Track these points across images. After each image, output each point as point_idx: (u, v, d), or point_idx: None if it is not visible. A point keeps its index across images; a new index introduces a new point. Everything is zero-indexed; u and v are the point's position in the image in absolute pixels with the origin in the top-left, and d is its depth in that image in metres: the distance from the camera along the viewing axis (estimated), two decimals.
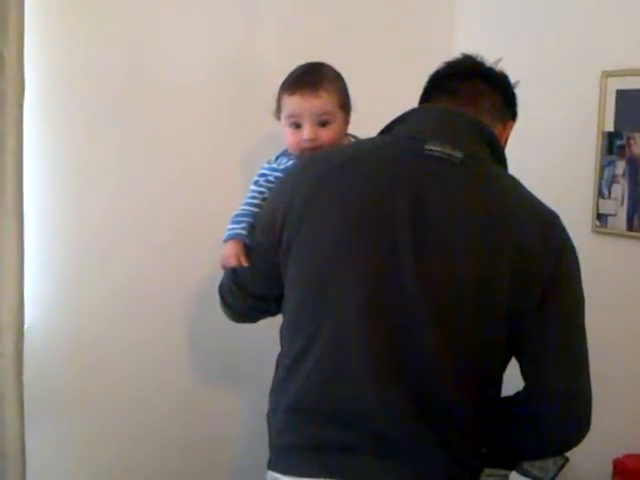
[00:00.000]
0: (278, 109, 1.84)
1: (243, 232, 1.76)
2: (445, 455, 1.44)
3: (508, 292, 1.43)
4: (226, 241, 1.76)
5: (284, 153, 1.85)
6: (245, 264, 1.68)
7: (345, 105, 1.84)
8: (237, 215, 1.80)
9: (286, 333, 1.59)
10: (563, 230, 1.51)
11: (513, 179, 1.56)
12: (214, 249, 1.79)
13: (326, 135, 1.79)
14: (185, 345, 2.46)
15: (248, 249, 1.71)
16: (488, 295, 1.43)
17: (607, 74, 2.38)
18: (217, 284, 1.78)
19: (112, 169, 2.29)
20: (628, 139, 2.33)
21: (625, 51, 2.35)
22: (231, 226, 1.78)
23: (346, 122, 1.85)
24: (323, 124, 1.79)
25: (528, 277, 1.44)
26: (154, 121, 2.33)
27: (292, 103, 1.78)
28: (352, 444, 1.45)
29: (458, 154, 1.49)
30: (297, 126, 1.79)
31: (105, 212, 2.29)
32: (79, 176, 2.25)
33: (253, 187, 1.83)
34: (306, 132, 1.78)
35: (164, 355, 2.41)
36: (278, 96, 1.83)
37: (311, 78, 1.79)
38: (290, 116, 1.79)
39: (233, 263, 1.71)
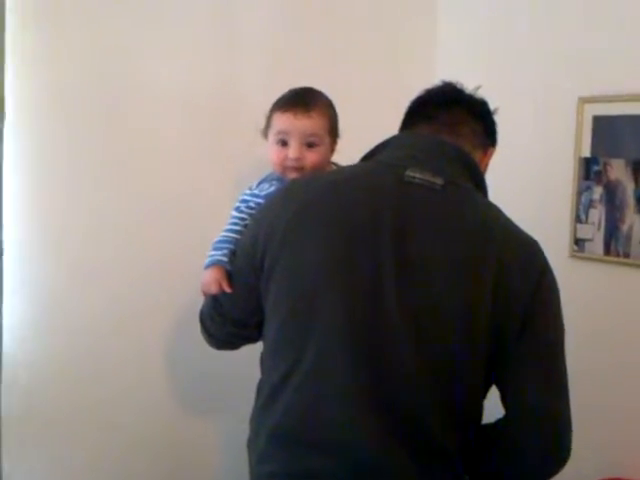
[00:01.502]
0: (267, 127, 1.84)
1: (224, 258, 1.74)
2: None
3: (489, 318, 1.43)
4: (207, 267, 1.74)
5: (266, 179, 1.85)
6: (227, 290, 1.67)
7: (333, 132, 1.85)
8: (218, 241, 1.79)
9: (267, 359, 1.58)
10: (543, 257, 1.52)
11: (493, 206, 1.57)
12: (196, 274, 1.78)
13: (311, 157, 1.79)
14: (165, 371, 2.44)
15: (229, 275, 1.70)
16: (469, 321, 1.44)
17: (584, 100, 2.41)
18: (198, 310, 1.77)
19: (92, 191, 2.28)
20: (605, 165, 2.36)
21: (602, 78, 2.38)
22: (212, 252, 1.77)
23: (332, 149, 1.86)
24: (310, 145, 1.79)
25: (508, 303, 1.45)
26: (135, 142, 2.33)
27: (283, 120, 1.79)
28: (332, 472, 1.44)
29: (439, 181, 1.50)
30: (284, 144, 1.80)
31: (85, 234, 2.28)
32: (58, 198, 2.24)
33: (234, 213, 1.82)
34: (292, 150, 1.78)
35: (143, 381, 2.39)
36: (269, 114, 1.84)
37: (305, 99, 1.80)
38: (279, 132, 1.80)
39: (214, 289, 1.69)
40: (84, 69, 2.23)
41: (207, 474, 2.54)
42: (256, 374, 1.62)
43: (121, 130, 2.30)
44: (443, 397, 1.45)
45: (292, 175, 1.79)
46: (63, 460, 2.29)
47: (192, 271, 1.85)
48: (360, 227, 1.48)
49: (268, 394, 1.53)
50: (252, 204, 1.80)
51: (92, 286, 2.29)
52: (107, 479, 2.35)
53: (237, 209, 1.82)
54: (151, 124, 2.34)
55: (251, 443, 1.59)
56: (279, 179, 1.82)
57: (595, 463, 2.26)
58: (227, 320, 1.68)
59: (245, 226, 1.77)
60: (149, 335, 2.38)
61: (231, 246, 1.76)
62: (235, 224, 1.80)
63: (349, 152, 1.73)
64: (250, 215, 1.78)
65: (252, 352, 1.71)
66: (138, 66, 2.31)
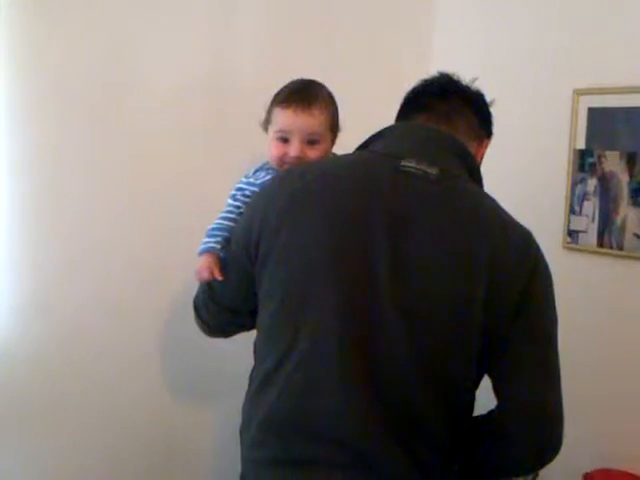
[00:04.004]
0: (267, 120, 1.82)
1: (217, 246, 1.74)
2: (416, 471, 1.44)
3: (482, 308, 1.43)
4: (200, 254, 1.75)
5: (262, 167, 1.84)
6: (219, 277, 1.68)
7: (334, 127, 1.83)
8: (212, 229, 1.79)
9: (260, 347, 1.58)
10: (537, 248, 1.52)
11: (488, 196, 1.57)
12: (189, 261, 1.78)
13: (312, 154, 1.77)
14: (157, 358, 2.44)
15: (223, 263, 1.70)
16: (462, 312, 1.44)
17: (579, 92, 2.42)
18: (191, 297, 1.78)
19: (85, 180, 2.27)
20: (599, 157, 2.37)
21: (596, 70, 2.39)
22: (206, 239, 1.77)
23: (332, 143, 1.84)
24: (311, 143, 1.77)
25: (502, 294, 1.45)
26: (129, 133, 2.32)
27: (284, 117, 1.76)
28: (323, 459, 1.44)
29: (434, 171, 1.50)
30: (284, 140, 1.77)
31: (77, 222, 2.27)
32: (50, 185, 2.23)
33: (230, 201, 1.82)
34: (294, 149, 1.76)
35: (136, 368, 2.39)
36: (270, 107, 1.81)
37: (306, 95, 1.77)
38: (280, 130, 1.77)
39: (206, 276, 1.69)
40: (77, 61, 2.22)
41: (199, 461, 2.55)
42: (250, 361, 1.62)
43: (115, 118, 2.29)
44: (436, 388, 1.45)
45: None
46: (51, 443, 2.28)
47: (186, 259, 1.85)
48: (354, 216, 1.48)
49: (260, 382, 1.53)
50: (248, 192, 1.79)
51: (85, 271, 2.29)
52: (96, 463, 2.35)
53: (233, 197, 1.82)
54: (145, 114, 2.33)
55: (243, 430, 1.59)
56: (275, 167, 1.82)
57: (585, 454, 2.27)
58: (221, 307, 1.69)
59: (240, 214, 1.76)
60: (142, 322, 2.38)
61: (225, 234, 1.76)
62: (230, 212, 1.79)
63: (345, 142, 1.73)
64: (245, 203, 1.77)
65: (246, 339, 1.71)
66: (133, 57, 2.30)
